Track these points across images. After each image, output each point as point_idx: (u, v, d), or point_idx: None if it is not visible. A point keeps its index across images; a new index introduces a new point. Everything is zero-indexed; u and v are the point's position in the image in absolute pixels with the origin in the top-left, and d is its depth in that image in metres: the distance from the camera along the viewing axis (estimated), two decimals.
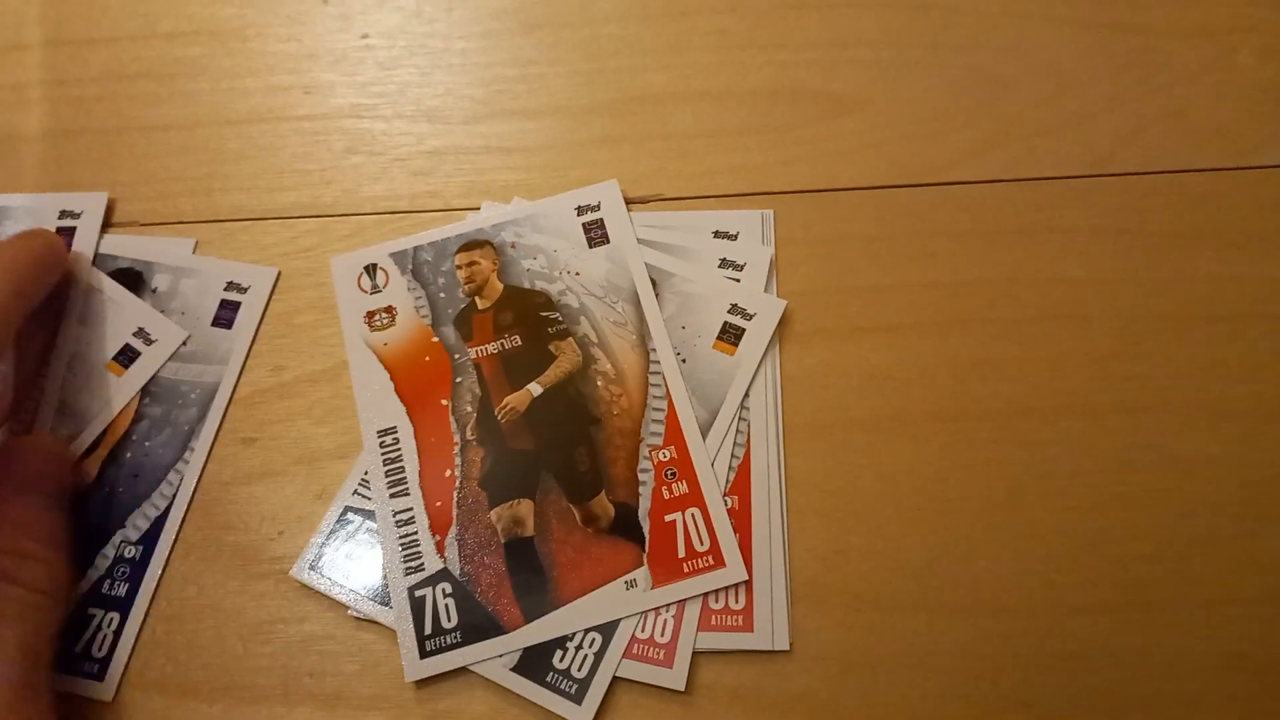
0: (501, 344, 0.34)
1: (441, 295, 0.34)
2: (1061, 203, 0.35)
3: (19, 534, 0.29)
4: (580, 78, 0.38)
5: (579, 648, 0.30)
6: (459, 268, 0.35)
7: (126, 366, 0.34)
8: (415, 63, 0.39)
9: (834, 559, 0.31)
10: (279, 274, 0.36)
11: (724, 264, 0.34)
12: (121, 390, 0.34)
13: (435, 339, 0.34)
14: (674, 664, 0.30)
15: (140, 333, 0.34)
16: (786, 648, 0.30)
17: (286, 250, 0.36)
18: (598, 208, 0.35)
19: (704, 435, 0.32)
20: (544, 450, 0.32)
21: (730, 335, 0.33)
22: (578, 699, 0.29)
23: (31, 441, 0.33)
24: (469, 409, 0.33)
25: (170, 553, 0.32)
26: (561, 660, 0.30)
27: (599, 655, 0.30)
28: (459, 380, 0.33)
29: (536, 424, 0.32)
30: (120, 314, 0.35)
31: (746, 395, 0.33)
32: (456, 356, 0.33)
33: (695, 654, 0.30)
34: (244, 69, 0.39)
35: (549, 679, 0.29)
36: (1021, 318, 0.34)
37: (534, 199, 0.36)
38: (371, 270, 0.35)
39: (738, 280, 0.34)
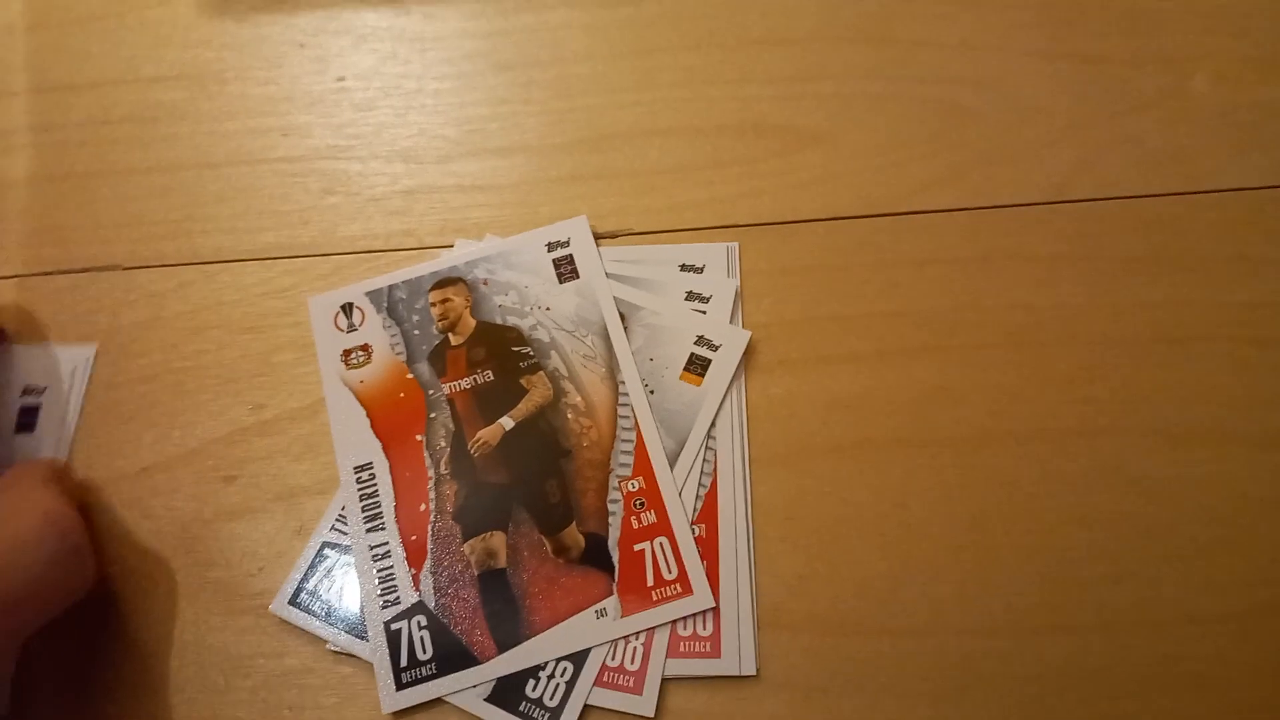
0: (474, 379, 0.34)
1: (416, 332, 0.35)
2: (1021, 230, 0.36)
3: None
4: (551, 116, 0.39)
5: (551, 676, 0.30)
6: (433, 305, 0.36)
7: None
8: (390, 104, 0.40)
9: (799, 585, 0.32)
10: (95, 352, 0.36)
11: (690, 296, 0.35)
12: None
13: (410, 375, 0.35)
14: (644, 690, 0.30)
15: None
16: (754, 672, 0.31)
17: (265, 290, 0.37)
18: (567, 244, 0.36)
19: (672, 465, 0.33)
20: (516, 483, 0.33)
21: (697, 366, 0.34)
22: None
23: None
24: (443, 444, 0.34)
25: None
26: (534, 689, 0.30)
27: (570, 684, 0.30)
28: (433, 415, 0.34)
29: (509, 457, 0.33)
30: None
31: (713, 425, 0.33)
32: (430, 392, 0.34)
33: (664, 680, 0.31)
34: (223, 112, 0.40)
35: (522, 708, 0.30)
36: (982, 344, 0.35)
37: (506, 236, 0.37)
38: (348, 309, 0.36)
39: (704, 312, 0.35)
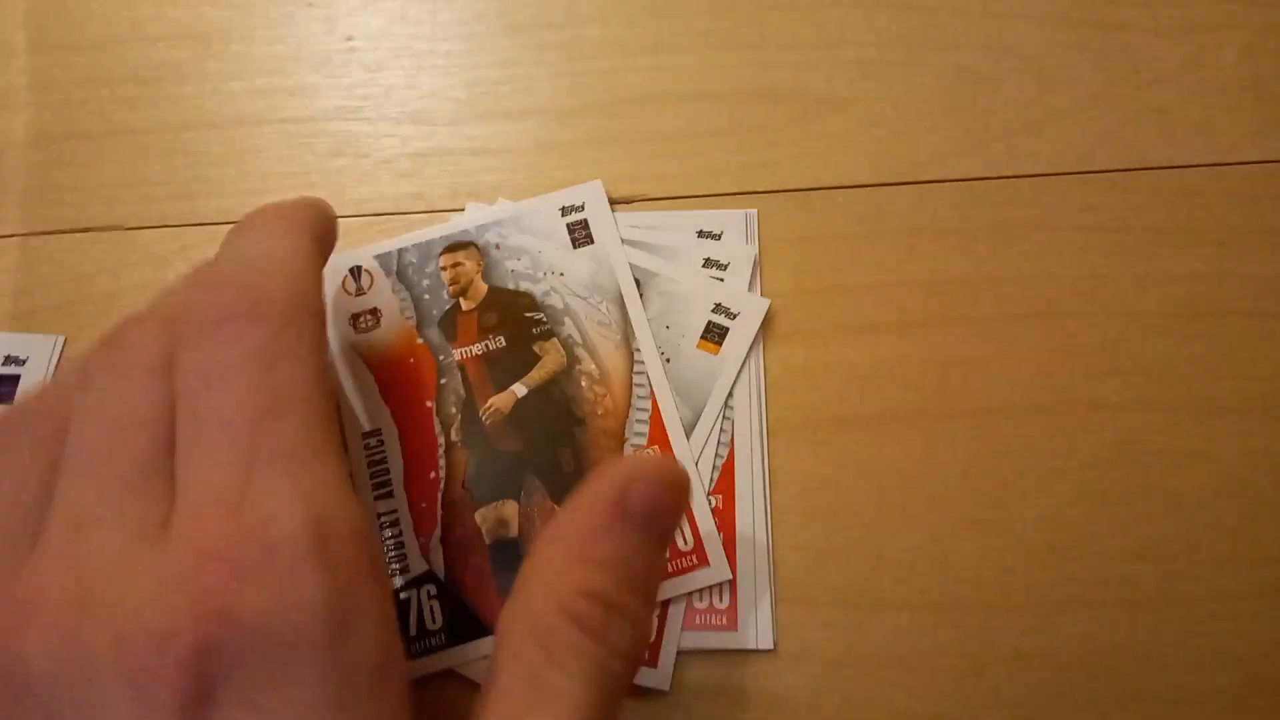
0: (486, 345, 0.34)
1: (426, 297, 0.34)
2: (1043, 200, 0.35)
3: (615, 580, 0.23)
4: (564, 79, 0.38)
5: None
6: (443, 269, 0.35)
7: None
8: (400, 65, 0.39)
9: (817, 558, 0.31)
10: (64, 340, 0.35)
11: (708, 263, 0.34)
12: None
13: (420, 340, 0.34)
14: (659, 663, 0.30)
15: None
16: (771, 646, 0.30)
17: None
18: (582, 208, 0.35)
19: (688, 435, 0.32)
20: (528, 451, 0.32)
21: (714, 334, 0.33)
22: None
23: (648, 465, 0.24)
24: (453, 410, 0.33)
25: None
26: None
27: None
28: (443, 382, 0.33)
29: (521, 425, 0.33)
30: None
31: (730, 394, 0.33)
32: (441, 358, 0.34)
33: (679, 653, 0.30)
34: (228, 72, 0.39)
35: None
36: (1004, 316, 0.34)
37: (518, 200, 0.36)
38: (356, 273, 0.35)
39: (721, 280, 0.34)
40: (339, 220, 0.36)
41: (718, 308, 0.33)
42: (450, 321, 0.34)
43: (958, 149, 0.36)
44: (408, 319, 0.34)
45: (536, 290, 0.34)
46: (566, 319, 0.34)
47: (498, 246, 0.35)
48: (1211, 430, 0.32)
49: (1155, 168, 0.36)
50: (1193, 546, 0.31)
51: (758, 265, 0.34)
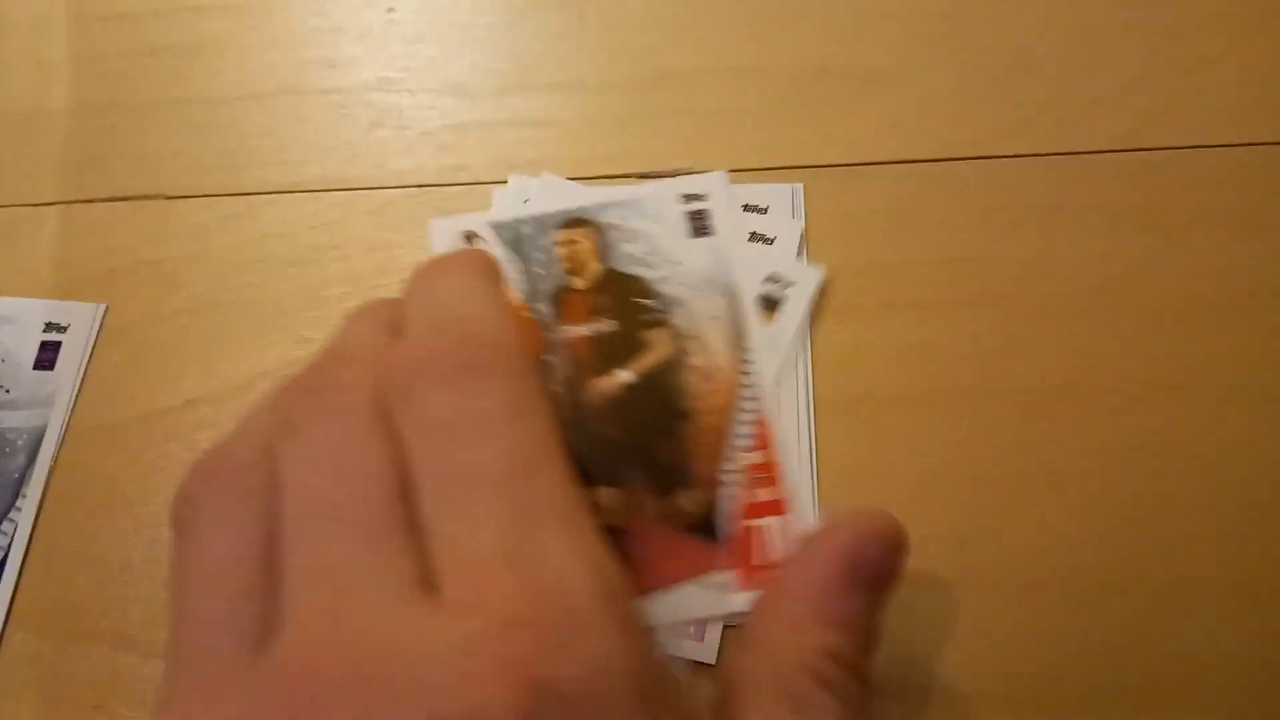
0: (595, 327, 0.33)
1: (538, 271, 0.34)
2: (1093, 179, 0.35)
3: (855, 642, 0.23)
4: (607, 53, 0.38)
5: None
6: (559, 245, 0.34)
7: None
8: (441, 37, 0.39)
9: None
10: (106, 309, 0.35)
11: (754, 238, 0.34)
12: None
13: (528, 315, 0.33)
14: (704, 638, 0.29)
15: None
16: None
17: (313, 223, 0.36)
18: (704, 198, 0.35)
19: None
20: (629, 439, 0.32)
21: (767, 305, 0.33)
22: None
23: (878, 524, 0.24)
24: (555, 389, 0.32)
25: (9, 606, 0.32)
26: None
27: None
28: (548, 359, 0.33)
29: (624, 412, 0.32)
30: None
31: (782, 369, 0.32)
32: (548, 335, 0.33)
33: (725, 628, 0.30)
34: (269, 42, 0.39)
35: None
36: (1054, 296, 0.33)
37: (560, 173, 0.36)
38: (470, 238, 0.35)
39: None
40: (380, 191, 0.36)
41: (770, 278, 0.33)
42: (560, 299, 0.33)
43: (1007, 125, 0.36)
44: (518, 290, 0.34)
45: (651, 276, 0.34)
46: (679, 310, 0.33)
47: (617, 228, 0.34)
48: (1263, 417, 0.32)
49: (1210, 146, 0.35)
50: (1249, 535, 0.30)
51: (804, 240, 0.34)
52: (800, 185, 0.35)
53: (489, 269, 0.24)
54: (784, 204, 0.34)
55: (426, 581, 0.18)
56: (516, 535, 0.18)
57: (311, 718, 0.16)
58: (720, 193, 0.35)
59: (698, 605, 0.30)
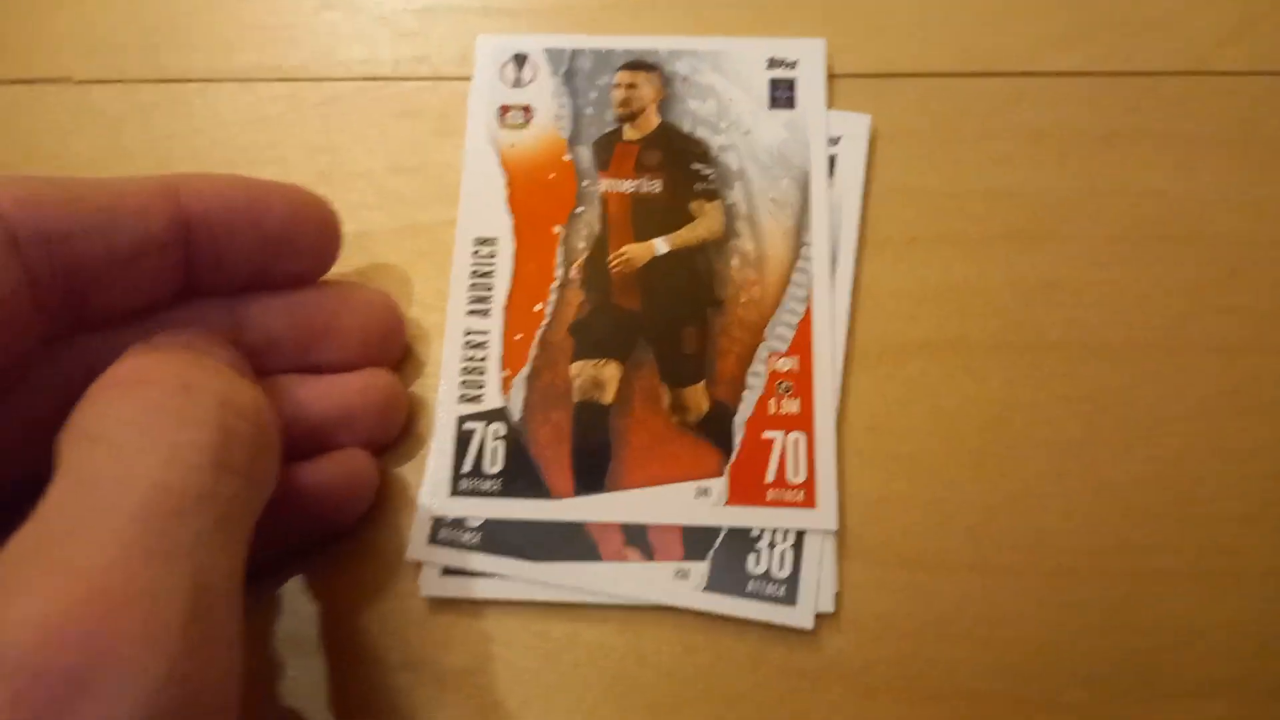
0: (639, 185, 0.30)
1: (589, 111, 0.30)
2: (1156, 104, 0.32)
3: None
4: None
5: (772, 545, 0.26)
6: (617, 86, 0.31)
7: None
8: None
9: (877, 508, 0.26)
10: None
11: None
12: None
13: (567, 157, 0.30)
14: (797, 600, 0.25)
15: None
16: (831, 610, 0.26)
17: (245, 118, 0.31)
18: (794, 65, 0.31)
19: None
20: (650, 317, 0.28)
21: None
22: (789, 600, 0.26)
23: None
24: (581, 245, 0.29)
25: None
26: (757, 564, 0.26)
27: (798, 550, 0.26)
28: (579, 211, 0.29)
29: (650, 285, 0.29)
30: None
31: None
32: (585, 183, 0.30)
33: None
34: None
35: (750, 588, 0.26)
36: (1102, 236, 0.30)
37: None
38: (520, 60, 0.31)
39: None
40: (325, 83, 0.31)
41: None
42: (607, 147, 0.30)
43: (1059, 37, 0.33)
44: (560, 129, 0.30)
45: (714, 142, 0.30)
46: (737, 184, 0.30)
47: (685, 79, 0.31)
48: None
49: None
50: None
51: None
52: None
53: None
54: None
55: None
56: None
57: None
58: (813, 64, 0.32)
59: (680, 510, 0.27)
